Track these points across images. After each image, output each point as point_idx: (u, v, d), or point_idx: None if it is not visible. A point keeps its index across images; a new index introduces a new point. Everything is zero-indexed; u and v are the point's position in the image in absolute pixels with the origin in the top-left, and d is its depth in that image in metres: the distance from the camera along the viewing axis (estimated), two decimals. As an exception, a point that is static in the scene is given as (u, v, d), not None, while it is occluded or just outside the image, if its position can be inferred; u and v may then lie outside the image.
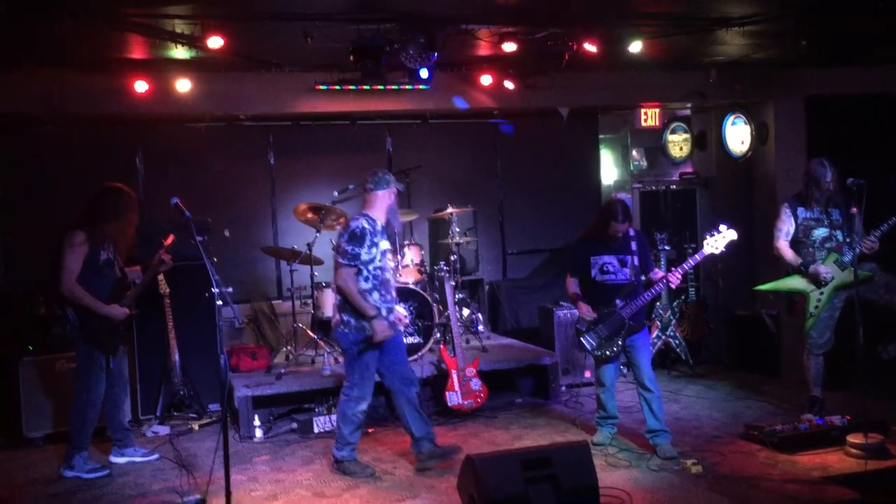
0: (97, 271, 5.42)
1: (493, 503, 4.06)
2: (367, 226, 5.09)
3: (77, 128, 7.40)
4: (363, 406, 5.26)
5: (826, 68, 8.01)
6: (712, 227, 5.47)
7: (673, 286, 5.44)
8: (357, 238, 5.05)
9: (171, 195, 4.61)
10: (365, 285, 5.12)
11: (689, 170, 9.16)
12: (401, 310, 6.75)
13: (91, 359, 5.45)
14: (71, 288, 5.30)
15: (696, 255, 5.39)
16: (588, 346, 5.58)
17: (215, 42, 5.80)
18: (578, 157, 9.12)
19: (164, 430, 6.51)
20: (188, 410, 6.77)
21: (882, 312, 5.91)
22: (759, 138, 8.29)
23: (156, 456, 5.83)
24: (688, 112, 9.07)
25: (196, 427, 6.57)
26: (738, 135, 8.51)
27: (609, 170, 9.40)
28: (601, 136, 9.24)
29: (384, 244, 5.23)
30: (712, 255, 5.44)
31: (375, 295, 5.15)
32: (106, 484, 5.35)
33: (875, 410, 5.40)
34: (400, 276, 7.17)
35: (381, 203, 5.22)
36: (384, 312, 5.16)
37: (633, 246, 5.54)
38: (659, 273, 5.52)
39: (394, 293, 5.32)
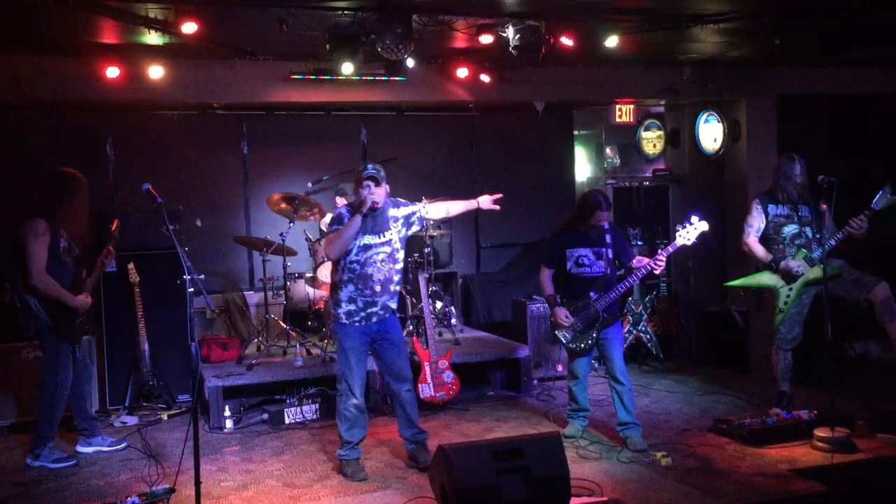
0: (57, 259, 5.32)
1: (464, 493, 4.06)
2: (344, 213, 5.21)
3: (46, 113, 7.25)
4: (352, 400, 5.09)
5: (798, 67, 8.10)
6: (685, 220, 5.51)
7: (657, 272, 5.46)
8: (334, 220, 5.24)
9: (142, 183, 4.53)
10: (341, 277, 5.14)
11: (663, 166, 9.22)
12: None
13: (59, 350, 5.36)
14: (43, 279, 5.20)
15: (669, 247, 5.43)
16: (563, 339, 5.61)
17: (189, 27, 5.69)
18: (553, 152, 9.13)
19: (132, 419, 6.44)
20: (157, 401, 6.70)
21: (850, 309, 5.96)
22: (731, 136, 8.36)
23: (123, 444, 5.76)
24: (662, 109, 9.12)
25: (165, 417, 6.50)
26: (710, 132, 8.57)
27: (583, 166, 9.42)
28: (576, 132, 9.26)
29: (368, 239, 5.12)
30: (684, 247, 5.48)
31: (351, 287, 5.11)
32: (73, 473, 5.28)
33: (841, 405, 5.48)
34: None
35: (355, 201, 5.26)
36: (360, 304, 5.12)
37: (608, 239, 5.56)
38: (644, 260, 5.52)
39: (380, 288, 5.12)
